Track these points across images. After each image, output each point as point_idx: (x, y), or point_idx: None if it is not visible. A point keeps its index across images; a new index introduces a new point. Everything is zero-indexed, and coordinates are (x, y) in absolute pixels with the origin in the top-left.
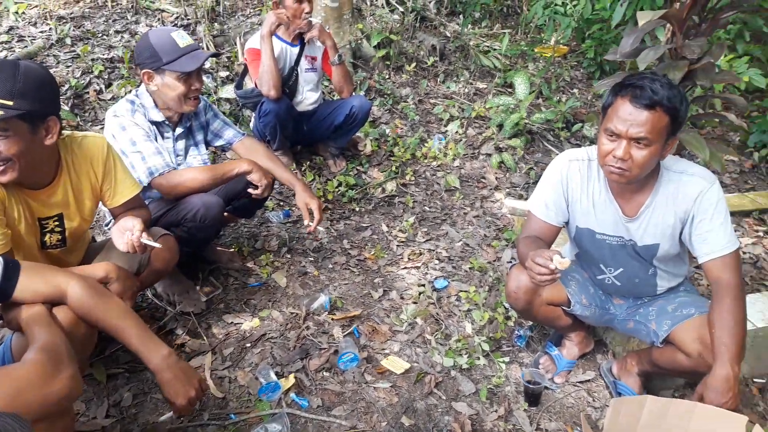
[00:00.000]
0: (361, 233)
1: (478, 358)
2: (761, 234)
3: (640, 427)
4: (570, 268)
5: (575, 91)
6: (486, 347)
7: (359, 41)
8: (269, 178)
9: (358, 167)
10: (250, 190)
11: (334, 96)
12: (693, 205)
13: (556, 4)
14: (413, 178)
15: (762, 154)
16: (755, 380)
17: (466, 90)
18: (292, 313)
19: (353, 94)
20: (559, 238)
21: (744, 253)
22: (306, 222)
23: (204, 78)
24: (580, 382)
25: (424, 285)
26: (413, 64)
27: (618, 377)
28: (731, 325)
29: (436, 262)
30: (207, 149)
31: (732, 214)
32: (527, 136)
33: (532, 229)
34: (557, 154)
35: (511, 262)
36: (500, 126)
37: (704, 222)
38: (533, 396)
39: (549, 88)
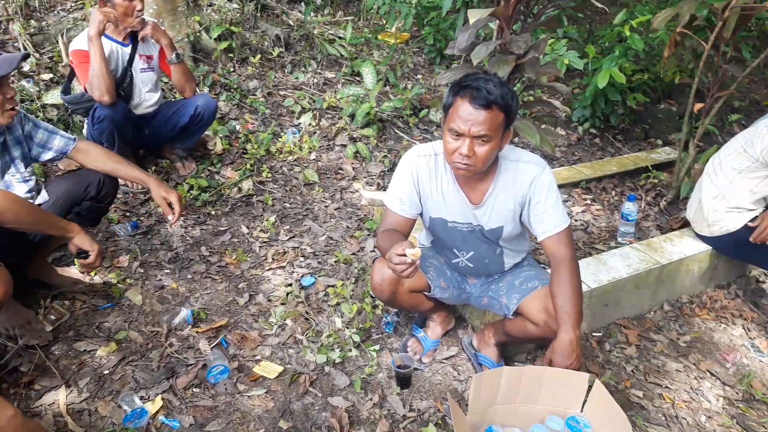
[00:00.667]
0: (219, 238)
1: (350, 350)
2: (588, 202)
3: (500, 396)
4: (426, 255)
5: (419, 77)
6: (357, 338)
7: (198, 34)
8: (99, 247)
9: (209, 168)
10: (79, 261)
11: (176, 95)
12: (529, 190)
13: None
14: (270, 175)
15: (585, 128)
16: (593, 334)
17: (315, 80)
18: (152, 332)
19: (197, 92)
20: (417, 224)
21: (576, 220)
22: (168, 217)
23: (24, 83)
24: (445, 359)
25: (291, 284)
26: (258, 56)
27: (478, 349)
28: (570, 294)
29: (302, 259)
30: (29, 166)
31: (563, 186)
32: (379, 124)
33: (389, 222)
34: (408, 141)
35: (374, 251)
36: (352, 116)
37: (539, 204)
38: (404, 379)
39: (395, 75)
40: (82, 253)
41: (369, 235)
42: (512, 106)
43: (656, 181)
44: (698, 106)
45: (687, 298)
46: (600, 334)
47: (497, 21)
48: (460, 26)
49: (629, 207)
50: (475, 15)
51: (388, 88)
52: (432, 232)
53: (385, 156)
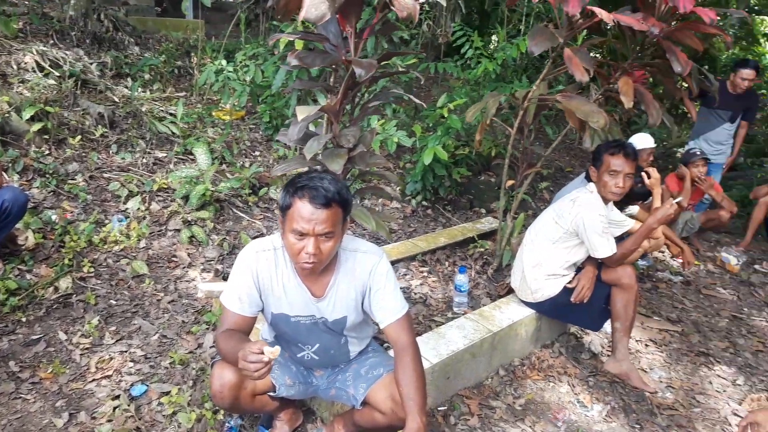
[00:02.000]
0: (32, 348)
1: None
2: (425, 274)
3: None
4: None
5: (257, 153)
6: None
7: (6, 115)
8: None
9: (19, 266)
10: None
11: None
12: (369, 279)
13: (228, 70)
14: (92, 270)
15: (418, 200)
16: (439, 409)
17: (145, 160)
18: None
19: (5, 183)
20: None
21: (415, 293)
22: None
23: None
24: None
25: (119, 396)
26: (78, 137)
27: None
28: (414, 378)
29: (131, 364)
30: None
31: (402, 260)
32: (216, 205)
33: (229, 322)
34: (249, 221)
35: (213, 346)
36: (186, 197)
37: (379, 292)
38: None
39: (231, 153)
40: None
41: (208, 329)
42: (348, 200)
43: (483, 249)
44: (509, 182)
45: (518, 361)
46: (445, 407)
47: (326, 115)
48: (294, 105)
49: (460, 279)
50: (303, 111)
51: (224, 166)
52: (275, 328)
53: (224, 239)
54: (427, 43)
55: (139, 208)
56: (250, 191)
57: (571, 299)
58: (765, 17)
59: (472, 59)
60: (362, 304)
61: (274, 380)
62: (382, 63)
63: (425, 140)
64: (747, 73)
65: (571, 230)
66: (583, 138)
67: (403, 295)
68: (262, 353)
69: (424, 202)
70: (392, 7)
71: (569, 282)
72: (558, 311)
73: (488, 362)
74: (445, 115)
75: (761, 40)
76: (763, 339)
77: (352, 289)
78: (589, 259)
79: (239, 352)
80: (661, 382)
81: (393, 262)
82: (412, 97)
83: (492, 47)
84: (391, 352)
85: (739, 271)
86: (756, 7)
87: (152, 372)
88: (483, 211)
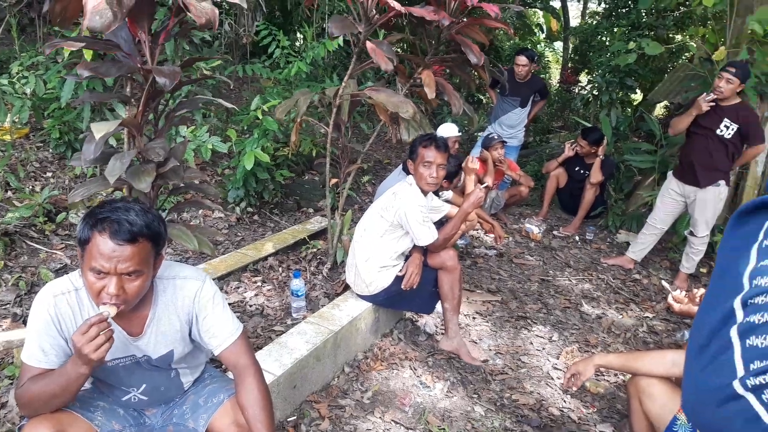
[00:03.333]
0: None
1: None
2: (259, 284)
3: None
4: (89, 397)
5: (49, 175)
6: None
7: None
8: None
9: None
10: None
11: None
12: (193, 306)
13: (1, 84)
14: None
15: (242, 207)
16: (288, 420)
17: None
18: None
19: None
20: None
21: (251, 306)
22: None
23: None
24: None
25: None
26: None
27: None
28: (258, 399)
29: None
30: None
31: (232, 272)
32: (5, 239)
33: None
34: (48, 252)
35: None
36: None
37: (208, 318)
38: None
39: (17, 177)
40: None
41: (11, 384)
42: (160, 233)
43: (315, 250)
44: (333, 180)
45: (362, 355)
46: (294, 417)
47: (127, 129)
48: (88, 118)
49: (296, 283)
50: (100, 129)
51: (10, 193)
52: (91, 374)
53: (19, 277)
54: (231, 43)
55: None
56: (46, 219)
57: (402, 287)
58: (536, 9)
59: (281, 59)
60: (189, 333)
61: (99, 428)
62: (186, 68)
63: (242, 144)
64: (521, 59)
65: (396, 222)
66: (398, 131)
67: (234, 314)
68: (102, 316)
69: (249, 209)
70: (188, 13)
71: (400, 271)
72: (393, 300)
73: (333, 362)
74: (260, 117)
75: (535, 30)
76: (568, 296)
77: (175, 320)
78: (415, 246)
79: (73, 336)
80: (490, 350)
81: (223, 276)
82: (221, 101)
83: (298, 45)
84: (231, 374)
85: (541, 239)
86: (529, 1)
87: None
88: (311, 210)
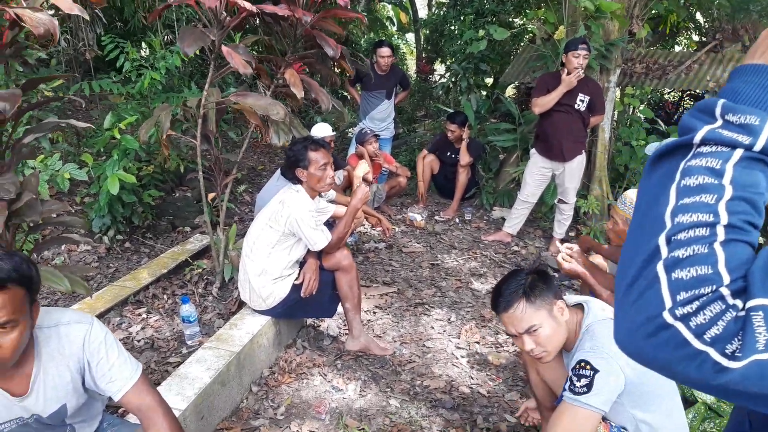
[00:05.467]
0: None
1: None
2: (144, 316)
3: None
4: None
5: None
6: None
7: None
8: None
9: None
10: None
11: None
12: (83, 353)
13: None
14: None
15: (111, 236)
16: None
17: None
18: None
19: None
20: None
21: (138, 341)
22: None
23: None
24: None
25: None
26: None
27: None
28: None
29: None
30: None
31: (111, 309)
32: None
33: None
34: None
35: None
36: None
37: (102, 363)
38: None
39: None
40: None
41: None
42: (32, 277)
43: (200, 270)
44: (211, 196)
45: (268, 371)
46: None
47: None
48: None
49: (186, 309)
50: None
51: None
52: None
53: None
54: (71, 60)
55: None
56: None
57: (302, 294)
58: (385, 3)
59: (132, 72)
60: (83, 383)
61: None
62: (26, 92)
63: (102, 168)
64: (384, 51)
65: (287, 231)
66: (269, 135)
67: (128, 352)
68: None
69: (118, 236)
70: (23, 24)
71: (296, 279)
72: (292, 310)
73: (239, 384)
74: (117, 137)
75: (386, 24)
76: (458, 276)
77: (65, 372)
78: (309, 252)
79: None
80: (395, 341)
81: (102, 314)
82: (75, 121)
83: (145, 55)
84: (131, 418)
85: (425, 226)
86: None
87: None
88: (188, 229)
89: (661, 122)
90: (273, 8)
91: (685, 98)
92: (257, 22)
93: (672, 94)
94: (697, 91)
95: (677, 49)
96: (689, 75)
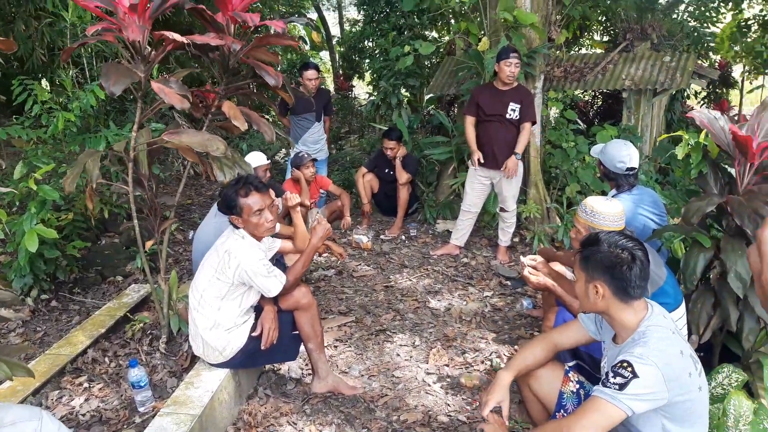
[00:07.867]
0: None
1: None
2: (86, 385)
3: None
4: None
5: None
6: None
7: None
8: None
9: None
10: None
11: None
12: None
13: None
14: None
15: (34, 296)
16: None
17: None
18: None
19: None
20: None
21: (83, 415)
22: None
23: None
24: None
25: None
26: None
27: None
28: None
29: None
30: None
31: (48, 382)
32: None
33: None
34: None
35: None
36: None
37: None
38: None
39: None
40: None
41: None
42: None
43: (142, 325)
44: (149, 243)
45: (232, 429)
46: None
47: None
48: None
49: (134, 374)
50: None
51: None
52: None
53: None
54: None
55: None
56: None
57: (262, 347)
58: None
59: (42, 115)
60: None
61: None
62: None
63: (17, 223)
64: (311, 73)
65: (237, 282)
66: (211, 171)
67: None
68: None
69: (43, 296)
70: None
71: (253, 331)
72: (252, 358)
73: None
74: (34, 188)
75: (299, 44)
76: (414, 296)
77: None
78: (263, 297)
79: None
80: (362, 375)
81: (37, 390)
82: None
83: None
84: None
85: (372, 247)
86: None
87: None
88: (119, 279)
89: (579, 121)
90: (203, 38)
91: (599, 95)
92: (183, 54)
93: (584, 93)
94: (616, 89)
95: (583, 51)
96: (605, 75)
